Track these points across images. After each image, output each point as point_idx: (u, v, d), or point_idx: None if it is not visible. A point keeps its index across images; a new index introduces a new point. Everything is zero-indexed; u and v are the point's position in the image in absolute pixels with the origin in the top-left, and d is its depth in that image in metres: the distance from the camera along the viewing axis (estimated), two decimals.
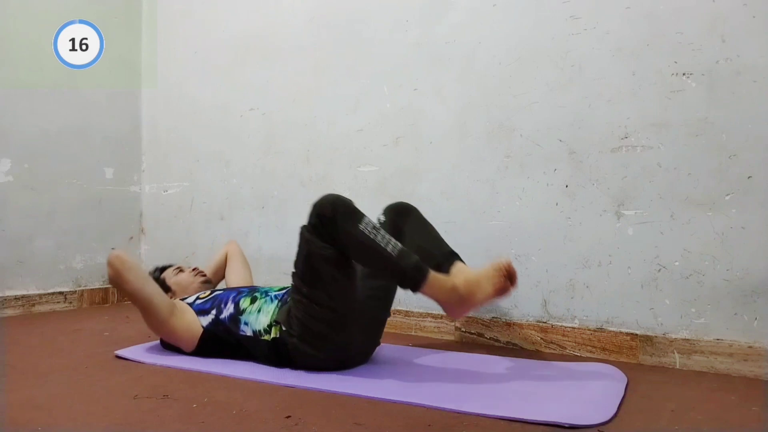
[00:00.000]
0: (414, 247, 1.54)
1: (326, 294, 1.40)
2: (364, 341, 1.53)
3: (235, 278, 1.97)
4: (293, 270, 1.46)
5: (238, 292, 1.61)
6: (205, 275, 1.88)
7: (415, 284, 1.33)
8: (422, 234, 1.61)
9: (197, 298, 1.65)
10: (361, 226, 1.34)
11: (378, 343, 1.60)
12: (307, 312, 1.41)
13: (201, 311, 1.58)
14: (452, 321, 1.38)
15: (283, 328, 1.45)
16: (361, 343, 1.51)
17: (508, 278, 1.34)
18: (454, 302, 1.36)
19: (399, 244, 1.35)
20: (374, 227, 1.35)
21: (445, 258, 1.52)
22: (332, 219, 1.34)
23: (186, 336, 1.56)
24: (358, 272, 1.46)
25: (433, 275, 1.34)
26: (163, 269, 1.85)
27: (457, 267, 1.49)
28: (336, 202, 1.37)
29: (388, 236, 1.36)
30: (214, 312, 1.56)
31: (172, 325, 1.55)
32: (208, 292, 1.69)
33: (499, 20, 1.88)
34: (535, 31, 1.81)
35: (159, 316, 1.53)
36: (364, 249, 1.34)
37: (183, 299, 1.66)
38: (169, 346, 1.61)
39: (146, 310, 1.53)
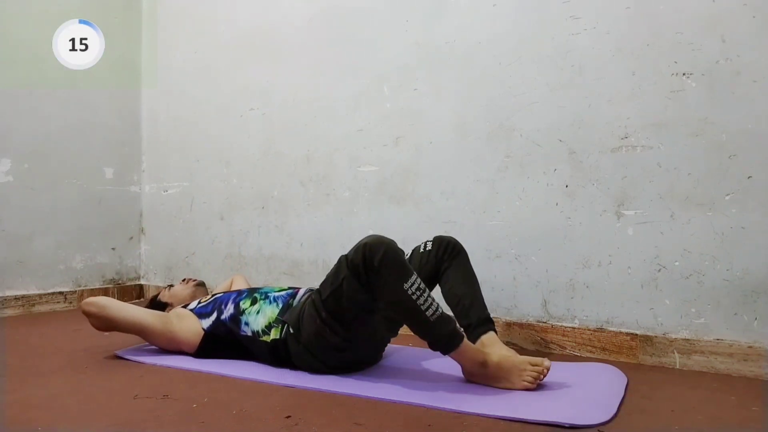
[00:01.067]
0: (453, 298, 1.56)
1: (343, 327, 1.37)
2: (369, 357, 1.53)
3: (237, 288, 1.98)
4: (319, 287, 1.42)
5: (239, 293, 1.62)
6: (196, 280, 1.90)
7: (445, 350, 1.30)
8: (465, 287, 1.57)
9: (198, 302, 1.66)
10: (406, 286, 1.26)
11: (381, 357, 1.60)
12: (318, 331, 1.39)
13: (202, 314, 1.59)
14: (465, 377, 1.37)
15: (291, 331, 1.45)
16: (366, 358, 1.51)
17: (538, 380, 1.28)
18: (477, 374, 1.32)
19: (439, 309, 1.29)
20: (419, 288, 1.28)
21: (481, 323, 1.51)
22: (378, 270, 1.27)
23: (186, 339, 1.57)
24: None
25: (466, 345, 1.31)
26: (153, 299, 1.86)
27: (489, 337, 1.48)
28: (386, 253, 1.28)
29: (430, 298, 1.29)
30: (215, 314, 1.57)
31: (170, 333, 1.57)
32: (209, 295, 1.70)
33: (499, 20, 1.88)
34: (535, 31, 1.81)
35: (155, 332, 1.57)
36: (403, 308, 1.29)
37: (185, 306, 1.68)
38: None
39: (142, 332, 1.58)
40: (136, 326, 1.56)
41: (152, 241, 2.84)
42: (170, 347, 1.60)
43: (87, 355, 1.63)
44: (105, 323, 1.55)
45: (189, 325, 1.58)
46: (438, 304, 1.30)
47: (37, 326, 2.09)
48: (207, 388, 1.32)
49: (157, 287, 2.77)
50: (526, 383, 1.27)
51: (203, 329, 1.56)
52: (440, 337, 1.29)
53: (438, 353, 1.32)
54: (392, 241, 1.33)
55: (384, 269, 1.27)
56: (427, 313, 1.27)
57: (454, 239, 1.65)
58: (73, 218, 2.56)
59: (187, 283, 1.88)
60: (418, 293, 1.27)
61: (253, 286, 1.97)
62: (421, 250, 1.64)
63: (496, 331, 1.52)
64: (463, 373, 1.35)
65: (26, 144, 2.39)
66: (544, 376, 1.28)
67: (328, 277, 1.39)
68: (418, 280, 1.29)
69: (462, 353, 1.31)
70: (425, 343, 1.33)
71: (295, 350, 1.44)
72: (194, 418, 1.12)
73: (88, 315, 1.54)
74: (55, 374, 1.44)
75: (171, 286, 1.89)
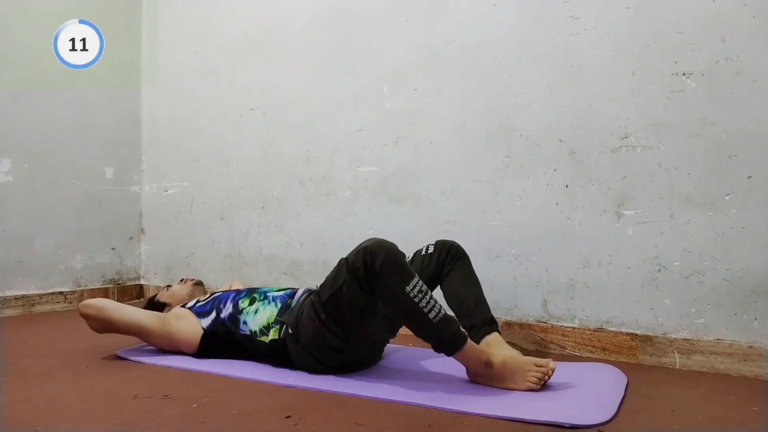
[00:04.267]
0: (455, 300, 1.56)
1: (342, 328, 1.37)
2: (368, 357, 1.53)
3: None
4: (318, 288, 1.41)
5: (237, 292, 1.62)
6: (193, 279, 1.90)
7: (449, 351, 1.29)
8: (467, 289, 1.57)
9: (197, 301, 1.66)
10: (408, 288, 1.26)
11: (380, 358, 1.60)
12: (317, 333, 1.39)
13: (201, 313, 1.59)
14: (469, 378, 1.37)
15: (290, 331, 1.45)
16: (365, 358, 1.51)
17: (542, 382, 1.28)
18: (482, 375, 1.32)
19: (442, 310, 1.29)
20: (420, 290, 1.27)
21: (485, 324, 1.51)
22: (379, 274, 1.27)
23: (186, 338, 1.57)
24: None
25: (470, 345, 1.30)
26: (151, 299, 1.85)
27: (493, 338, 1.48)
28: (387, 257, 1.27)
29: (432, 300, 1.28)
30: (214, 313, 1.57)
31: (169, 334, 1.57)
32: (208, 294, 1.70)
33: (499, 20, 1.88)
34: (535, 31, 1.81)
35: (153, 332, 1.57)
36: (405, 311, 1.28)
37: (183, 305, 1.67)
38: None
39: (140, 334, 1.58)
40: (135, 328, 1.56)
41: (152, 241, 2.84)
42: (169, 347, 1.60)
43: (87, 355, 1.63)
44: (103, 325, 1.55)
45: (188, 325, 1.57)
46: (441, 306, 1.30)
47: (37, 326, 2.09)
48: (207, 388, 1.32)
49: (157, 287, 2.77)
50: (530, 384, 1.27)
51: (202, 328, 1.56)
52: (444, 338, 1.29)
53: (440, 355, 1.32)
54: (393, 244, 1.32)
55: (385, 272, 1.27)
56: (429, 315, 1.26)
57: (457, 243, 1.65)
58: (73, 218, 2.56)
59: (185, 282, 1.87)
60: (420, 295, 1.27)
61: (253, 286, 1.97)
62: (423, 253, 1.64)
63: (500, 332, 1.52)
64: (468, 373, 1.35)
65: (26, 144, 2.39)
66: (549, 377, 1.28)
67: (327, 279, 1.38)
68: (420, 282, 1.29)
69: (466, 354, 1.30)
70: (425, 343, 1.33)
71: (293, 350, 1.44)
72: (194, 418, 1.12)
73: (86, 317, 1.54)
74: (55, 374, 1.44)
75: (169, 286, 1.88)
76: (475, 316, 1.52)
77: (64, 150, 2.53)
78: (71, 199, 2.56)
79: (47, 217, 2.46)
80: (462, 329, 1.33)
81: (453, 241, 1.65)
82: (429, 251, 1.63)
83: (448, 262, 1.61)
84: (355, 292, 1.31)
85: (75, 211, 2.57)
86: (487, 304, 1.57)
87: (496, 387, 1.30)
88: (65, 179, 2.53)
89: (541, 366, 1.29)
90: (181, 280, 1.90)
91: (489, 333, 1.49)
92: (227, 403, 1.20)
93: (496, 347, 1.44)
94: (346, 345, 1.40)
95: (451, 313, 1.46)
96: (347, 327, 1.37)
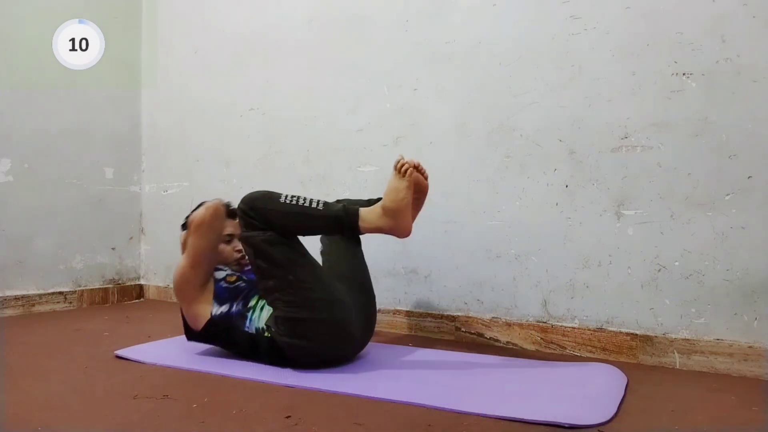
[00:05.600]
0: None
1: (290, 275, 1.43)
2: (353, 321, 1.50)
3: None
4: (255, 277, 1.51)
5: (252, 288, 1.59)
6: (245, 258, 1.67)
7: (352, 224, 1.43)
8: (349, 201, 1.71)
9: (225, 278, 1.60)
10: (282, 200, 1.44)
11: (372, 325, 1.60)
12: (284, 303, 1.44)
13: (219, 297, 1.56)
14: (404, 237, 1.48)
15: (273, 330, 1.47)
16: (348, 322, 1.48)
17: (411, 166, 1.42)
18: (392, 220, 1.43)
19: (321, 200, 1.46)
20: (294, 196, 1.44)
21: (368, 202, 1.64)
22: (253, 207, 1.43)
23: (196, 313, 1.55)
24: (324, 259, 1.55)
25: (363, 210, 1.45)
26: (230, 212, 1.71)
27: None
28: (252, 194, 1.46)
29: (309, 198, 1.45)
30: (227, 305, 1.55)
31: (196, 294, 1.55)
32: (234, 277, 1.63)
33: (499, 20, 1.88)
34: (535, 31, 1.81)
35: (195, 279, 1.55)
36: (293, 216, 1.43)
37: (216, 270, 1.62)
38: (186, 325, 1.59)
39: (193, 266, 1.55)
40: (198, 259, 1.55)
41: (152, 241, 2.84)
42: (182, 300, 1.56)
43: (87, 355, 1.63)
44: (200, 227, 1.54)
45: (204, 304, 1.55)
46: (319, 199, 1.46)
47: (37, 326, 2.09)
48: (207, 388, 1.32)
49: (157, 287, 2.77)
50: (410, 177, 1.41)
51: (210, 314, 1.54)
52: (337, 213, 1.43)
53: (438, 353, 1.32)
54: (257, 190, 1.48)
55: (257, 202, 1.44)
56: (312, 206, 1.43)
57: None
58: (73, 218, 2.56)
59: (243, 258, 1.66)
60: (294, 198, 1.44)
61: None
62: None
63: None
64: (392, 233, 1.45)
65: (26, 144, 2.39)
66: (411, 161, 1.42)
67: (249, 259, 1.49)
68: (291, 193, 1.45)
69: (366, 219, 1.43)
70: (425, 343, 1.33)
71: (285, 344, 1.45)
72: (194, 418, 1.12)
73: (206, 209, 1.57)
74: (55, 374, 1.44)
75: (230, 233, 1.67)
76: (358, 202, 1.63)
77: (64, 150, 2.53)
78: (71, 199, 2.56)
79: (47, 217, 2.46)
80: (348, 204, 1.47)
81: None
82: None
83: None
84: (258, 235, 1.43)
85: (75, 211, 2.57)
86: (372, 199, 1.70)
87: (409, 208, 1.43)
88: (65, 179, 2.53)
89: (397, 165, 1.43)
90: (238, 249, 1.67)
91: (375, 203, 1.57)
92: (227, 403, 1.20)
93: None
94: (312, 295, 1.43)
95: None
96: (293, 272, 1.43)
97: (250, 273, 1.62)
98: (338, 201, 1.66)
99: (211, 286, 1.59)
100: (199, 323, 1.55)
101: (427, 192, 1.53)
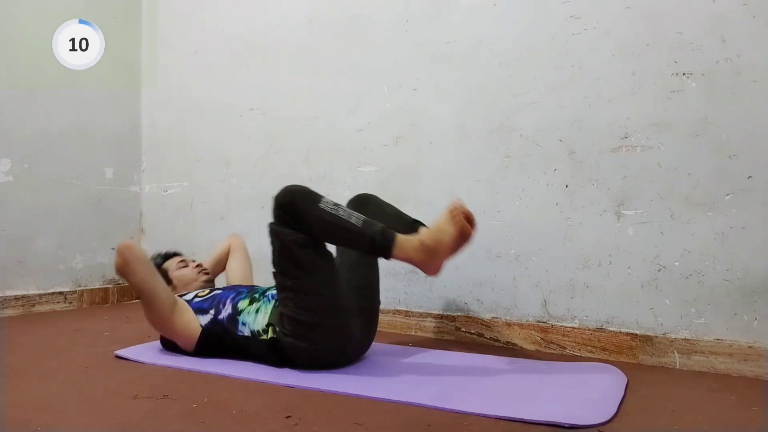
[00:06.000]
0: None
1: (310, 280, 1.42)
2: (358, 329, 1.51)
3: (235, 274, 1.96)
4: (273, 270, 1.47)
5: (237, 292, 1.61)
6: (208, 273, 1.87)
7: (385, 249, 1.36)
8: (383, 212, 1.62)
9: (195, 296, 1.63)
10: (321, 205, 1.38)
11: (374, 334, 1.60)
12: (296, 305, 1.43)
13: (199, 310, 1.58)
14: (432, 276, 1.42)
15: (277, 329, 1.46)
16: (354, 331, 1.49)
17: (464, 217, 1.35)
18: (426, 257, 1.37)
19: (361, 216, 1.39)
20: (334, 204, 1.39)
21: (409, 226, 1.54)
22: (291, 204, 1.38)
23: (185, 334, 1.55)
24: (335, 257, 1.49)
25: (401, 237, 1.37)
26: (166, 257, 1.83)
27: (421, 230, 1.49)
28: (292, 189, 1.41)
29: (349, 210, 1.40)
30: (212, 312, 1.56)
31: (173, 322, 1.55)
32: (207, 290, 1.68)
33: (499, 20, 1.88)
34: (535, 31, 1.81)
35: (162, 311, 1.53)
36: (329, 226, 1.37)
37: (181, 295, 1.65)
38: (169, 346, 1.61)
39: (150, 304, 1.53)
40: (149, 295, 1.52)
41: (152, 242, 2.84)
42: (165, 333, 1.58)
43: (87, 355, 1.63)
44: (126, 271, 1.51)
45: (189, 321, 1.55)
46: (359, 214, 1.39)
47: (37, 326, 2.09)
48: (207, 388, 1.32)
49: None
50: (459, 224, 1.33)
51: (201, 326, 1.55)
52: (374, 237, 1.36)
53: (438, 352, 1.32)
54: (295, 183, 1.43)
55: (297, 200, 1.38)
56: (351, 220, 1.37)
57: (362, 193, 1.72)
58: (73, 218, 2.56)
59: (200, 272, 1.83)
60: (335, 208, 1.38)
61: (253, 283, 1.97)
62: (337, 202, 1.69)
63: (426, 225, 1.50)
64: (420, 268, 1.40)
65: (26, 144, 2.39)
66: (463, 207, 1.35)
67: (272, 252, 1.45)
68: (331, 200, 1.40)
69: (401, 247, 1.36)
70: (425, 343, 1.33)
71: (287, 344, 1.45)
72: (194, 418, 1.12)
73: (119, 254, 1.51)
74: (55, 374, 1.44)
75: (184, 263, 1.82)
76: (398, 224, 1.53)
77: (64, 150, 2.53)
78: (71, 199, 2.56)
79: (47, 217, 2.46)
80: (387, 228, 1.39)
81: (359, 193, 1.72)
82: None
83: (361, 210, 1.59)
84: (289, 233, 1.39)
85: (75, 211, 2.57)
86: (403, 213, 1.63)
87: (446, 253, 1.35)
88: (65, 179, 2.53)
89: (452, 210, 1.35)
90: (197, 266, 1.85)
91: (416, 230, 1.48)
92: (227, 403, 1.20)
93: (423, 231, 1.45)
94: (324, 303, 1.42)
95: None
96: (312, 277, 1.42)
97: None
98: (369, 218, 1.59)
99: (184, 305, 1.59)
100: (193, 340, 1.55)
101: (469, 241, 1.38)
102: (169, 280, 1.75)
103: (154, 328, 1.60)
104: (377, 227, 1.37)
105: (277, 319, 1.47)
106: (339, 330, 1.45)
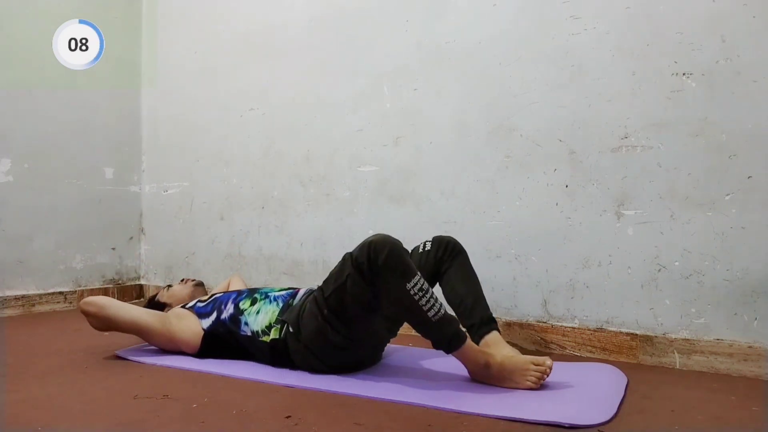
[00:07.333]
0: (455, 299, 1.56)
1: (344, 325, 1.38)
2: (369, 357, 1.53)
3: (234, 287, 1.97)
4: (322, 284, 1.42)
5: (238, 293, 1.62)
6: (194, 280, 1.90)
7: (448, 350, 1.30)
8: (466, 287, 1.57)
9: (197, 301, 1.66)
10: (409, 286, 1.27)
11: (381, 358, 1.59)
12: (319, 329, 1.39)
13: (202, 313, 1.59)
14: (470, 377, 1.37)
15: (290, 330, 1.45)
16: (365, 358, 1.51)
17: (544, 377, 1.29)
18: (481, 375, 1.33)
19: (442, 309, 1.30)
20: (421, 288, 1.28)
21: (484, 323, 1.51)
22: (381, 269, 1.27)
23: (186, 338, 1.56)
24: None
25: (468, 346, 1.31)
26: (152, 299, 1.86)
27: (492, 337, 1.48)
28: (390, 253, 1.28)
29: (432, 298, 1.29)
30: (215, 314, 1.57)
31: (170, 333, 1.57)
32: (208, 295, 1.70)
33: (499, 20, 1.88)
34: (535, 31, 1.81)
35: (154, 332, 1.57)
36: (405, 308, 1.29)
37: (183, 306, 1.67)
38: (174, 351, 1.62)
39: (141, 332, 1.58)
40: (135, 326, 1.56)
41: (152, 241, 2.84)
42: (170, 347, 1.60)
43: (87, 355, 1.63)
44: (104, 323, 1.55)
45: (188, 325, 1.58)
46: (441, 305, 1.30)
47: (37, 326, 2.09)
48: (207, 388, 1.32)
49: (157, 287, 2.77)
50: (529, 383, 1.27)
51: (203, 329, 1.56)
52: (443, 337, 1.30)
53: (440, 353, 1.33)
54: (398, 240, 1.33)
55: (387, 268, 1.27)
56: (429, 313, 1.27)
57: (454, 239, 1.64)
58: (73, 218, 2.56)
59: (186, 282, 1.88)
60: (420, 293, 1.27)
61: (253, 286, 1.97)
62: (420, 250, 1.64)
63: (499, 331, 1.52)
64: (468, 372, 1.36)
65: (26, 144, 2.39)
66: (547, 375, 1.29)
67: (331, 274, 1.38)
68: (422, 280, 1.29)
69: (465, 354, 1.31)
70: (426, 343, 1.33)
71: (295, 349, 1.44)
72: (194, 418, 1.12)
73: (87, 314, 1.54)
74: (55, 374, 1.44)
75: (170, 286, 1.88)
76: (474, 315, 1.52)
77: (64, 150, 2.53)
78: (71, 199, 2.56)
79: (47, 217, 2.46)
80: (461, 329, 1.33)
81: (450, 237, 1.65)
82: (426, 248, 1.63)
83: (446, 259, 1.60)
84: (359, 286, 1.31)
85: (75, 211, 2.57)
86: (485, 301, 1.57)
87: (496, 386, 1.30)
88: (65, 179, 2.53)
89: (539, 365, 1.29)
90: (182, 281, 1.91)
91: (488, 332, 1.49)
92: (227, 403, 1.20)
93: (495, 347, 1.44)
94: (348, 343, 1.39)
95: (451, 311, 1.46)
96: (349, 323, 1.37)
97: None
98: (457, 301, 1.56)
99: (178, 312, 1.62)
100: (196, 343, 1.56)
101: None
102: (163, 305, 1.79)
103: (161, 348, 1.63)
104: (450, 330, 1.29)
105: (294, 319, 1.45)
106: (349, 360, 1.45)
